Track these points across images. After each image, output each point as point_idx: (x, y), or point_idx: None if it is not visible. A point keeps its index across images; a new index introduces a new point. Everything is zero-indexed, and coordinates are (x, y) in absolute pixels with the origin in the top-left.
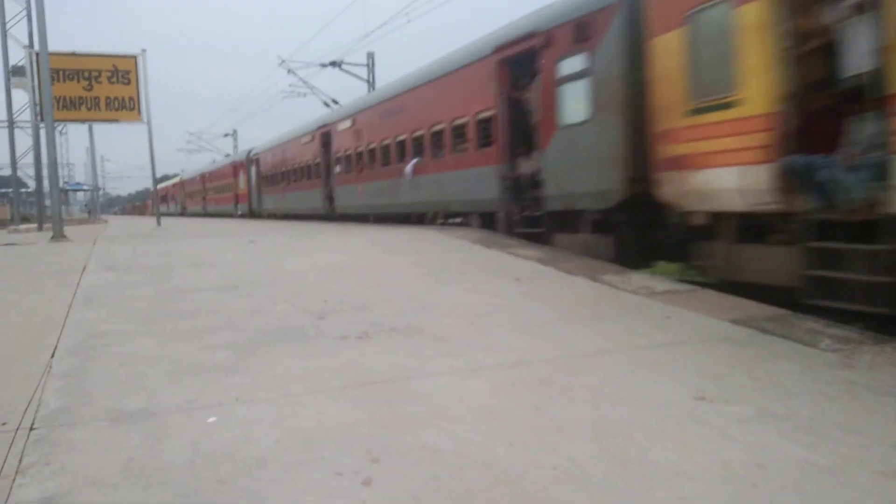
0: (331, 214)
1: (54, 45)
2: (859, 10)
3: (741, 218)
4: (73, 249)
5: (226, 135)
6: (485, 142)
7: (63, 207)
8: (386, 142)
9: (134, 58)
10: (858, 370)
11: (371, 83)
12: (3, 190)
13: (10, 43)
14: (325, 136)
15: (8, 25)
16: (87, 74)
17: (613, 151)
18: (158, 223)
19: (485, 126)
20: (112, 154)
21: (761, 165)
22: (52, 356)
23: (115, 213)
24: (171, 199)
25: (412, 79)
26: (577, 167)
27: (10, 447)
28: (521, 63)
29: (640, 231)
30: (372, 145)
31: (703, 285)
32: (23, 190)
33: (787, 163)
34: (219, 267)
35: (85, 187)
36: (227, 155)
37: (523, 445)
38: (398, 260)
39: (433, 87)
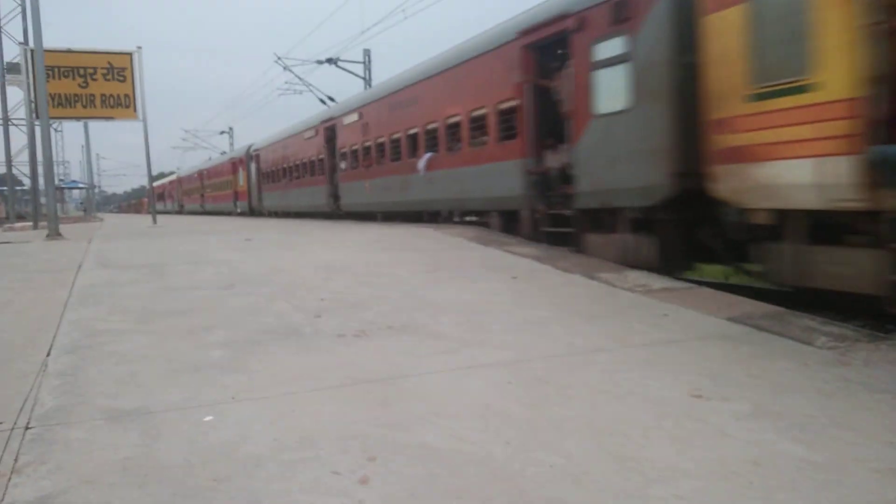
0: (336, 212)
1: (49, 42)
2: None
3: (815, 216)
4: (68, 248)
5: (222, 132)
6: (507, 134)
7: (58, 205)
8: (396, 135)
9: (129, 55)
10: (854, 367)
11: (367, 80)
12: None
13: (4, 40)
14: (329, 130)
15: (3, 22)
16: (82, 72)
17: (658, 142)
18: (154, 221)
19: (507, 117)
20: (107, 152)
21: (843, 157)
22: (48, 355)
23: (110, 212)
24: (168, 197)
25: (425, 68)
26: (616, 160)
27: (5, 446)
28: (549, 48)
29: (686, 231)
30: (381, 139)
31: (706, 285)
32: (18, 188)
33: (876, 154)
34: (215, 265)
35: (80, 185)
36: (224, 153)
37: (520, 443)
38: (394, 258)
39: (449, 77)
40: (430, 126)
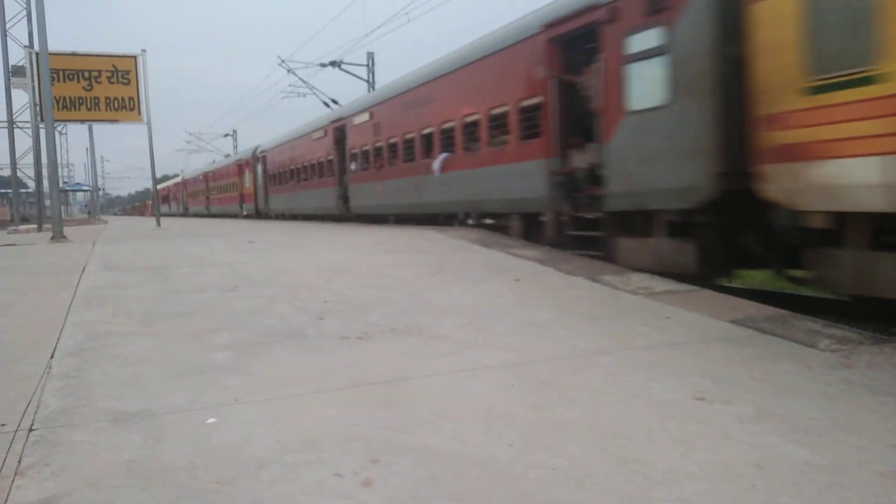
0: (345, 215)
1: (49, 43)
2: None
3: (881, 220)
4: (72, 250)
5: (226, 135)
6: (529, 133)
7: (63, 208)
8: (409, 135)
9: (134, 58)
10: (857, 370)
11: (371, 83)
12: (3, 190)
13: (9, 43)
14: (338, 130)
15: (8, 25)
16: (86, 75)
17: (699, 140)
18: (158, 224)
19: (529, 115)
20: (112, 154)
21: None
22: (52, 357)
23: (114, 214)
24: (172, 200)
25: (440, 65)
26: (651, 160)
27: (9, 448)
28: (575, 42)
29: (729, 235)
30: (393, 139)
31: (705, 286)
32: (22, 190)
33: None
34: (219, 267)
35: (85, 188)
36: (227, 155)
37: (523, 445)
38: (397, 260)
39: (467, 73)
40: (447, 125)
